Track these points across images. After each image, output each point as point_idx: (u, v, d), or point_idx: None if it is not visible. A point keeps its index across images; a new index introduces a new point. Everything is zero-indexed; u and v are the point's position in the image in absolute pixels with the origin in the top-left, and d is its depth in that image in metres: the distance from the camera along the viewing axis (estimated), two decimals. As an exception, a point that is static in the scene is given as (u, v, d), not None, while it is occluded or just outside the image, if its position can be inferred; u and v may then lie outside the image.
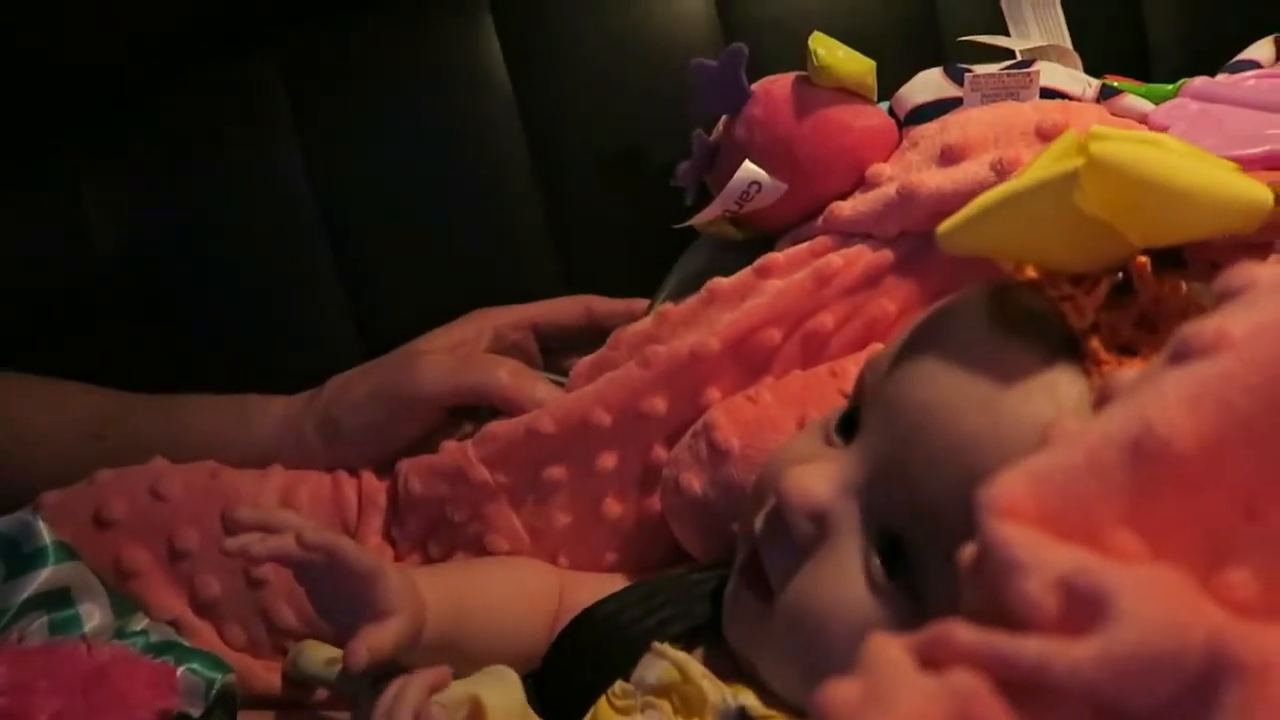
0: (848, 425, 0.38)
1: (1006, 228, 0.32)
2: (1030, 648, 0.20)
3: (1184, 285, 0.32)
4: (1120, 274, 0.33)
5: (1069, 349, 0.31)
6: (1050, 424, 0.29)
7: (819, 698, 0.21)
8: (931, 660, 0.22)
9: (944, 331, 0.35)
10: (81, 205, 0.65)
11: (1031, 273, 0.34)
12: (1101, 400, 0.26)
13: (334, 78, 0.68)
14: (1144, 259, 0.32)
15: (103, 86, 0.67)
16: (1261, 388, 0.22)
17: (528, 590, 0.48)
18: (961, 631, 0.21)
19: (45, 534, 0.43)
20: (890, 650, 0.22)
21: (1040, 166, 0.32)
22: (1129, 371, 0.27)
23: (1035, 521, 0.22)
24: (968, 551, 0.24)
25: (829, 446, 0.38)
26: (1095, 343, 0.31)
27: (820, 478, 0.35)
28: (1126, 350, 0.31)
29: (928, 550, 0.33)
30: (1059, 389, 0.31)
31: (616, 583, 0.48)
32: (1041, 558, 0.21)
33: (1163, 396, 0.23)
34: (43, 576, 0.41)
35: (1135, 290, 0.32)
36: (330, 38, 0.68)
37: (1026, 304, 0.33)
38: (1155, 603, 0.19)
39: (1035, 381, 0.31)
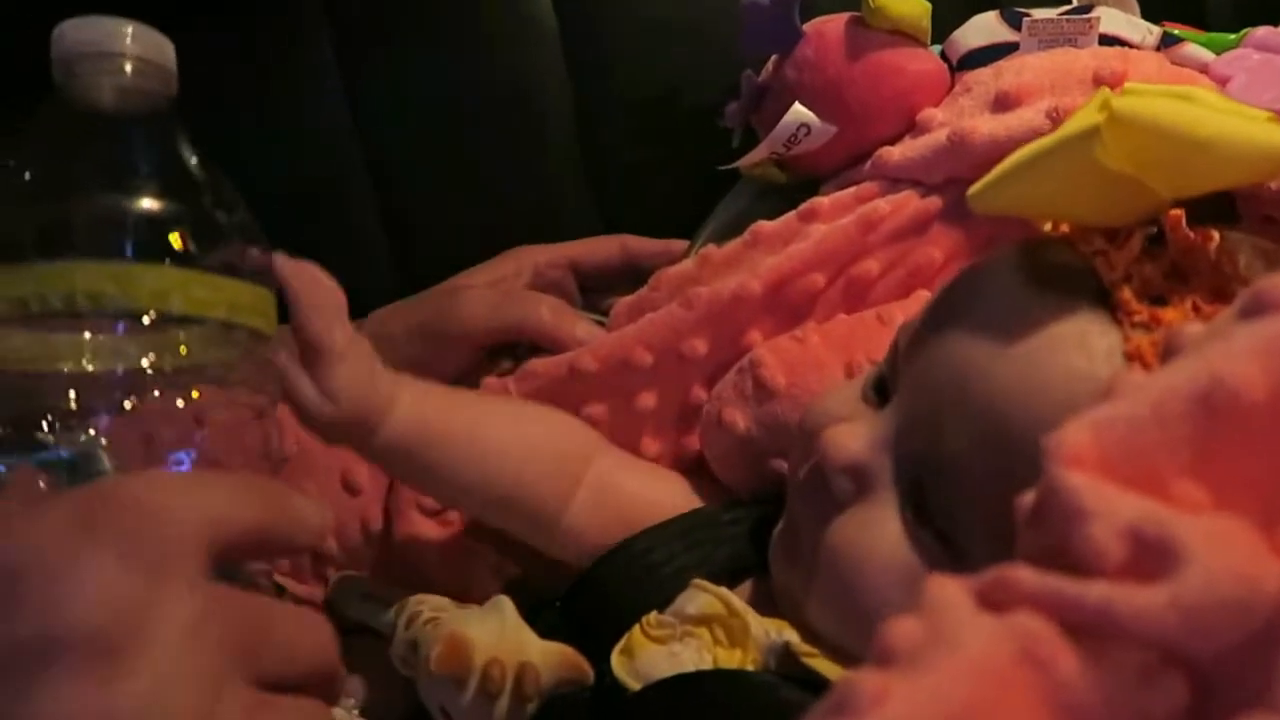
0: (881, 387, 0.38)
1: (1034, 187, 0.32)
2: (1096, 592, 0.20)
3: (1217, 236, 0.32)
4: (1154, 227, 0.33)
5: (1100, 301, 0.32)
6: (1086, 376, 0.30)
7: (880, 636, 0.22)
8: (992, 602, 0.22)
9: (975, 289, 0.35)
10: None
11: (1065, 228, 0.35)
12: (1168, 353, 0.26)
13: (378, 14, 0.67)
14: (1177, 211, 0.32)
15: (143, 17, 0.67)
16: (1334, 344, 0.22)
17: (538, 432, 0.46)
18: (1024, 575, 0.22)
19: (105, 461, 0.44)
20: (950, 591, 0.23)
21: (1066, 127, 0.32)
22: (1195, 325, 0.27)
23: (1099, 470, 0.23)
24: (1026, 499, 0.24)
25: (866, 405, 0.38)
26: (1126, 293, 0.31)
27: (856, 436, 0.37)
28: (1158, 301, 0.31)
29: (958, 501, 0.34)
30: (1090, 339, 0.31)
31: (649, 471, 0.49)
32: (1109, 505, 0.21)
33: (1232, 350, 0.23)
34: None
35: (1167, 242, 0.32)
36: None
37: (1058, 259, 0.33)
38: (1224, 552, 0.19)
39: (1066, 333, 0.31)
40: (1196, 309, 0.30)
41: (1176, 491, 0.22)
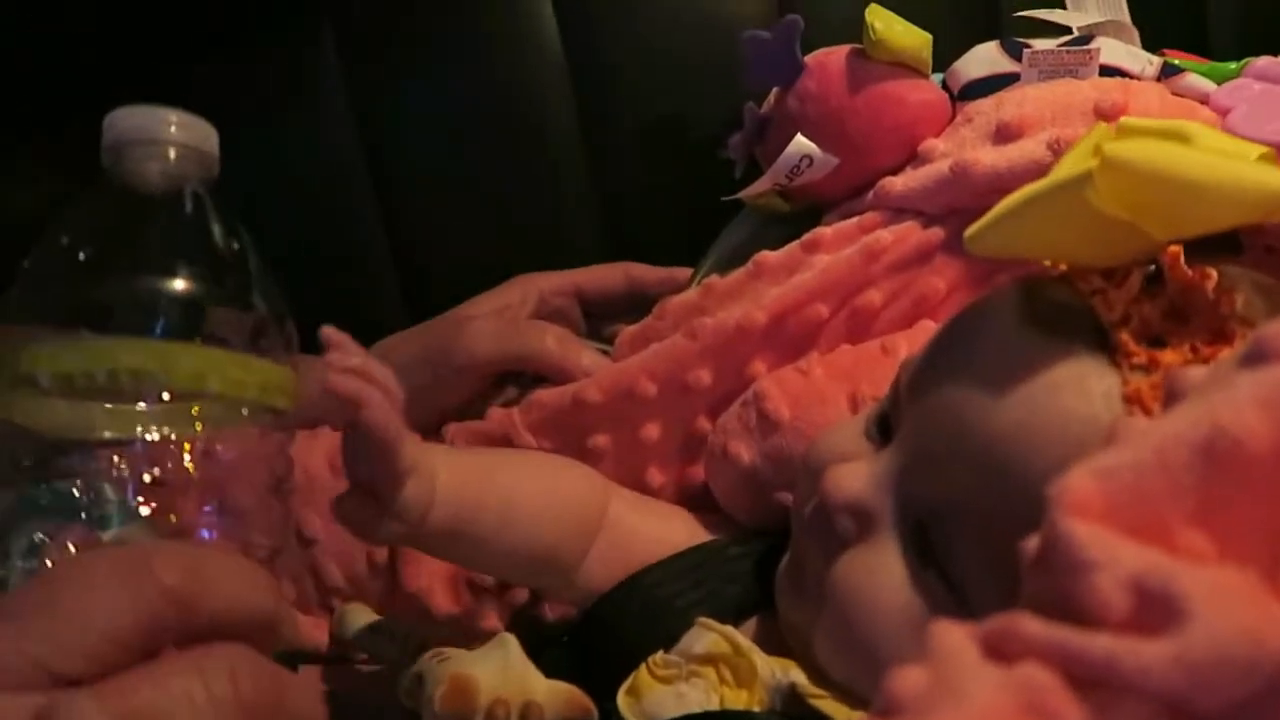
0: (884, 424, 0.38)
1: (1029, 230, 0.32)
2: (1101, 645, 0.20)
3: (1215, 274, 0.32)
4: (1152, 266, 0.33)
5: (1099, 342, 0.32)
6: (1085, 419, 0.30)
7: (886, 685, 0.22)
8: (998, 651, 0.22)
9: (975, 330, 0.35)
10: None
11: (1063, 267, 0.35)
12: (1170, 397, 0.26)
13: (385, 38, 0.68)
14: (1176, 249, 0.32)
15: (148, 44, 0.67)
16: (1336, 392, 0.22)
17: (561, 493, 0.46)
18: (1029, 624, 0.22)
19: (138, 522, 0.44)
20: (955, 639, 0.23)
21: (1061, 168, 0.32)
22: (1197, 369, 0.27)
23: (1103, 518, 0.23)
24: (1030, 545, 0.24)
25: (869, 442, 0.39)
26: (1124, 335, 0.31)
27: (858, 476, 0.37)
28: (1157, 342, 0.31)
29: (960, 543, 0.34)
30: (1089, 382, 0.31)
31: (659, 512, 0.49)
32: (1113, 556, 0.21)
33: (1236, 398, 0.23)
34: (108, 537, 0.42)
35: (1165, 281, 0.32)
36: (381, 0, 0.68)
37: (1058, 299, 0.33)
38: (1229, 607, 0.19)
39: (1065, 376, 0.31)
40: (1195, 350, 0.30)
41: (1181, 541, 0.22)
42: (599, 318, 0.65)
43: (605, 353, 0.56)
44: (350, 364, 0.37)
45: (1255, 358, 0.23)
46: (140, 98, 0.67)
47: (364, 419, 0.36)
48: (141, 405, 0.31)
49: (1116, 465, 0.23)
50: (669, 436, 0.52)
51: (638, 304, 0.62)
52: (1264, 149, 0.33)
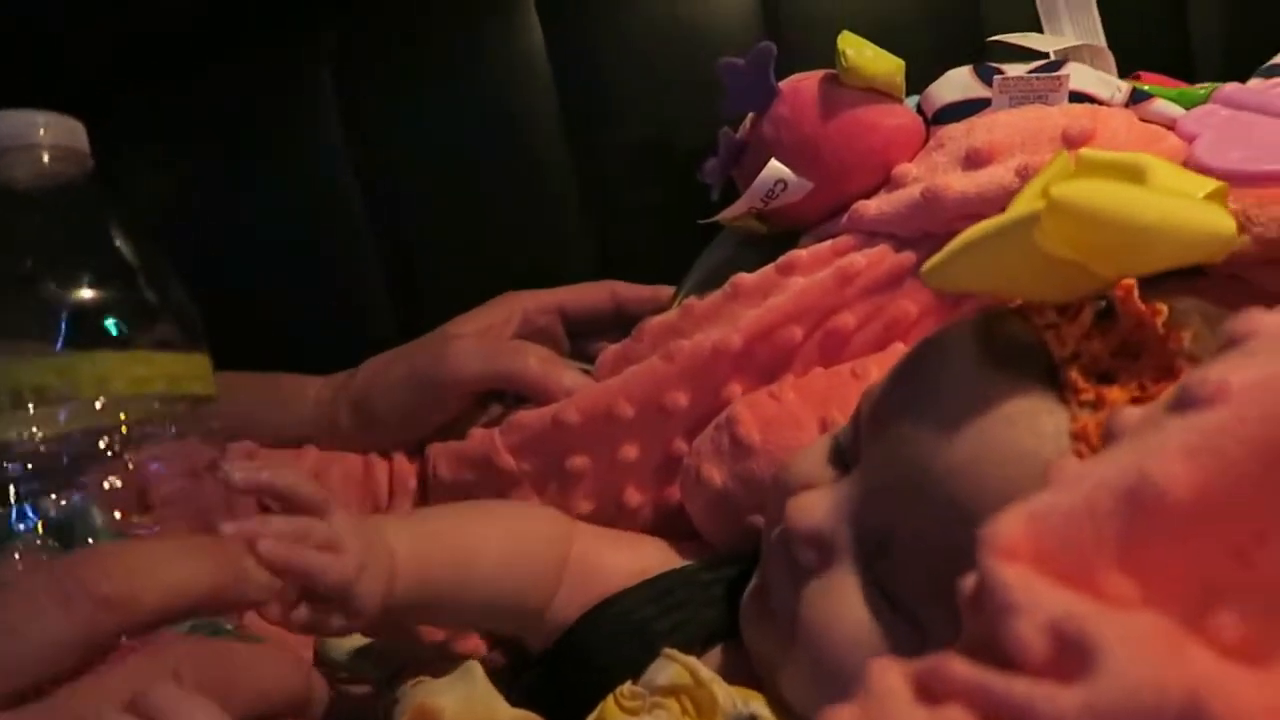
0: (847, 450, 0.39)
1: (982, 267, 0.33)
2: (1019, 689, 0.21)
3: (1165, 310, 0.32)
4: (1104, 301, 0.33)
5: (1051, 378, 0.32)
6: (1034, 456, 0.30)
7: (819, 723, 0.23)
8: (928, 691, 0.23)
9: (933, 362, 0.36)
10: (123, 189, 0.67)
11: (1019, 300, 0.35)
12: (1107, 437, 0.27)
13: (377, 63, 0.69)
14: (1128, 283, 0.32)
15: (146, 56, 0.68)
16: (1256, 440, 0.23)
17: (525, 543, 0.46)
18: (957, 665, 0.22)
19: (97, 517, 0.44)
20: (890, 678, 0.23)
21: (1018, 202, 0.33)
22: (1134, 411, 0.28)
23: (1032, 561, 0.23)
24: (968, 582, 0.25)
25: (834, 469, 0.39)
26: (1074, 373, 0.32)
27: (818, 506, 0.37)
28: (1106, 378, 0.32)
29: (916, 578, 0.34)
30: (1039, 419, 0.31)
31: (628, 542, 0.49)
32: (1035, 600, 0.22)
33: (1162, 445, 0.23)
34: (53, 549, 0.43)
35: (1117, 316, 0.33)
36: (375, 23, 0.69)
37: (1013, 333, 0.34)
38: (1140, 656, 0.20)
39: (1017, 412, 0.32)
40: (1143, 388, 0.31)
41: (1106, 585, 0.23)
42: (583, 336, 0.66)
43: (588, 372, 0.57)
44: (254, 481, 0.35)
45: (1183, 404, 0.24)
46: (138, 109, 0.68)
47: (263, 557, 0.32)
48: (54, 419, 0.31)
49: (1046, 509, 0.24)
50: (647, 457, 0.52)
51: (622, 322, 0.62)
52: (1215, 185, 0.34)
